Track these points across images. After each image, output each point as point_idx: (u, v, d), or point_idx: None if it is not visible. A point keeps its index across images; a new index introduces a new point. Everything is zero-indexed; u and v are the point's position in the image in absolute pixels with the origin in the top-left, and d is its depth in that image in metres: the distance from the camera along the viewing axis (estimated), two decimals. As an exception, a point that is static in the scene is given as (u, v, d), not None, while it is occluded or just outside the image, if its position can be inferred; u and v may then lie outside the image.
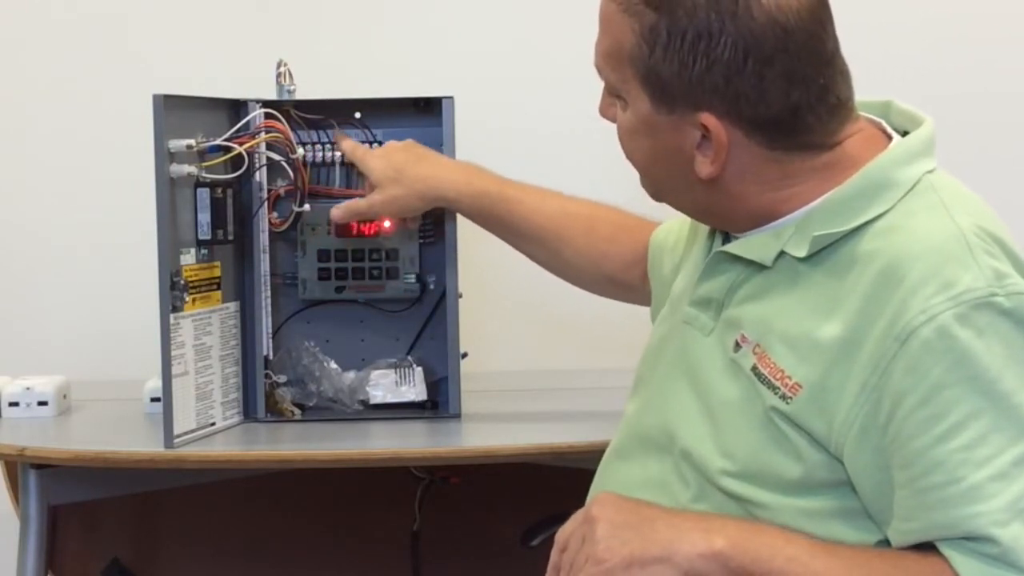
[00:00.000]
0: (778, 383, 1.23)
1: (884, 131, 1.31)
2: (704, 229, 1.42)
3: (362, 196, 1.81)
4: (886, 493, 1.19)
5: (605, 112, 1.36)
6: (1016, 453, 1.14)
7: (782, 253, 1.27)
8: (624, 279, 1.72)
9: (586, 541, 1.22)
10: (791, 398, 1.22)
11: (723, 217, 1.33)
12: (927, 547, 1.17)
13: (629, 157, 1.34)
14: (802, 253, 1.26)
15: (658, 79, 1.25)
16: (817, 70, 1.24)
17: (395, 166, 1.76)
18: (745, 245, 1.31)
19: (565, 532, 1.26)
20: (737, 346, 1.29)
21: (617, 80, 1.29)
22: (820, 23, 1.24)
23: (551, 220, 1.74)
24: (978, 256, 1.18)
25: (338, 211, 1.80)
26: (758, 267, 1.30)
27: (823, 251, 1.25)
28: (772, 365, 1.24)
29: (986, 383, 1.15)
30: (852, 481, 1.21)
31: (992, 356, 1.15)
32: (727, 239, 1.36)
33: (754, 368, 1.26)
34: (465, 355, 1.85)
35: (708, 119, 1.24)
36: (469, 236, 1.80)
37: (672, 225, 1.64)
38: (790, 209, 1.28)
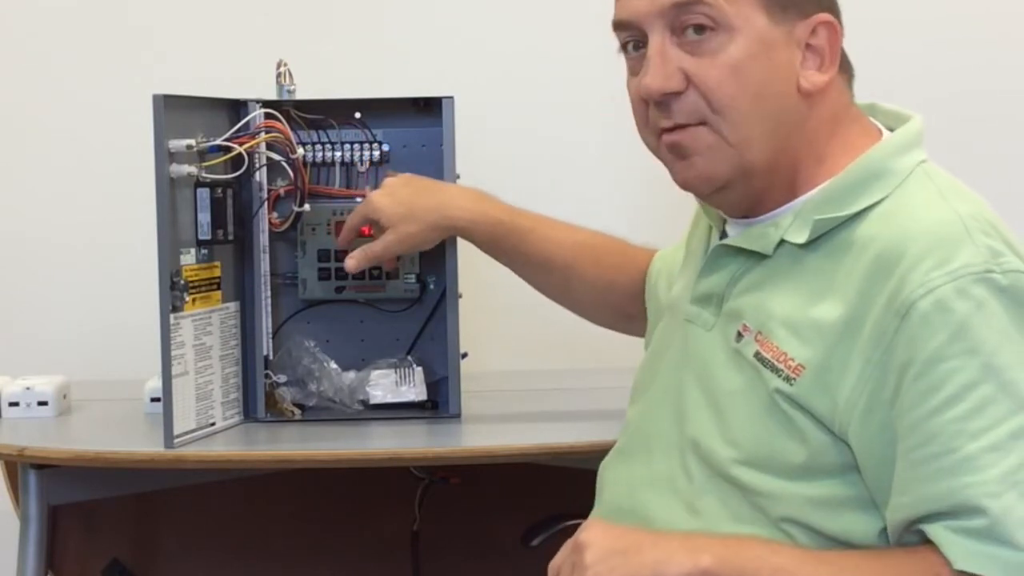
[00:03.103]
0: (781, 365, 1.25)
1: (876, 127, 1.36)
2: (700, 234, 1.45)
3: (363, 196, 1.82)
4: (890, 471, 1.20)
5: (670, 80, 1.30)
6: (1012, 426, 1.15)
7: (782, 242, 1.30)
8: (629, 309, 1.73)
9: (576, 568, 1.23)
10: (794, 379, 1.24)
11: (770, 181, 1.32)
12: (916, 546, 1.18)
13: (732, 101, 1.29)
14: (802, 239, 1.28)
15: None
16: None
17: (403, 203, 1.73)
18: (745, 237, 1.34)
19: (556, 562, 1.27)
20: (739, 336, 1.31)
21: (727, 3, 1.28)
22: None
23: (562, 249, 1.73)
24: (975, 235, 1.21)
25: (353, 261, 1.75)
26: (758, 258, 1.32)
27: (822, 237, 1.28)
28: (775, 349, 1.26)
29: (984, 356, 1.16)
30: (857, 460, 1.22)
31: (990, 330, 1.17)
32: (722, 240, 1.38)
33: (757, 354, 1.28)
34: (465, 355, 1.85)
35: (827, 18, 1.30)
36: (469, 236, 1.80)
37: (667, 252, 1.66)
38: (800, 190, 1.32)
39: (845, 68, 1.35)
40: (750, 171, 1.32)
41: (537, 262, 1.72)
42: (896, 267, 1.20)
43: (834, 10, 1.33)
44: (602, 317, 1.78)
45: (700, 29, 1.28)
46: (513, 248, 1.72)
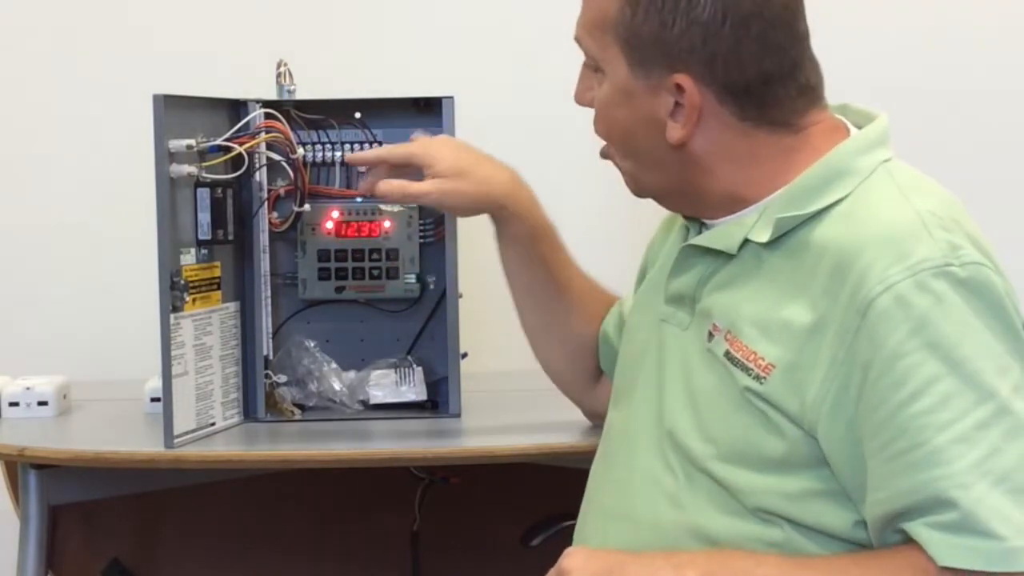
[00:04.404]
0: (751, 364, 1.26)
1: (845, 126, 1.36)
2: (675, 236, 1.47)
3: (363, 196, 1.82)
4: (861, 469, 1.21)
5: (582, 97, 1.41)
6: (977, 417, 1.16)
7: (746, 241, 1.32)
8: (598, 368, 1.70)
9: None
10: (764, 378, 1.25)
11: (695, 198, 1.37)
12: (900, 546, 1.19)
13: (607, 135, 1.39)
14: (765, 238, 1.30)
15: (638, 41, 1.30)
16: (789, 43, 1.31)
17: (465, 159, 1.64)
18: (711, 236, 1.35)
19: None
20: (710, 336, 1.32)
21: (597, 49, 1.34)
22: None
23: (581, 279, 1.69)
24: (932, 230, 1.21)
25: (387, 186, 1.64)
26: (726, 257, 1.34)
27: (785, 236, 1.29)
28: (744, 348, 1.28)
29: (945, 349, 1.17)
30: (828, 459, 1.23)
31: (950, 323, 1.18)
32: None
33: (727, 353, 1.29)
34: (465, 355, 1.85)
35: (683, 79, 1.29)
36: (469, 236, 1.80)
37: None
38: (755, 196, 1.32)
39: (777, 102, 1.31)
40: (654, 192, 1.39)
41: (556, 280, 1.66)
42: (855, 266, 1.21)
43: (703, 66, 1.29)
44: (579, 364, 1.70)
45: (593, 62, 1.37)
46: (541, 257, 1.65)
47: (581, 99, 1.41)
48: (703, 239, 1.36)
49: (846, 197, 1.28)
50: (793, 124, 1.32)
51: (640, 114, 1.33)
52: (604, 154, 1.43)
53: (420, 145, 1.67)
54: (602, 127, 1.39)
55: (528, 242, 1.65)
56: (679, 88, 1.30)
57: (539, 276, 1.67)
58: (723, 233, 1.34)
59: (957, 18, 2.30)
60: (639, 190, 1.41)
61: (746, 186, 1.33)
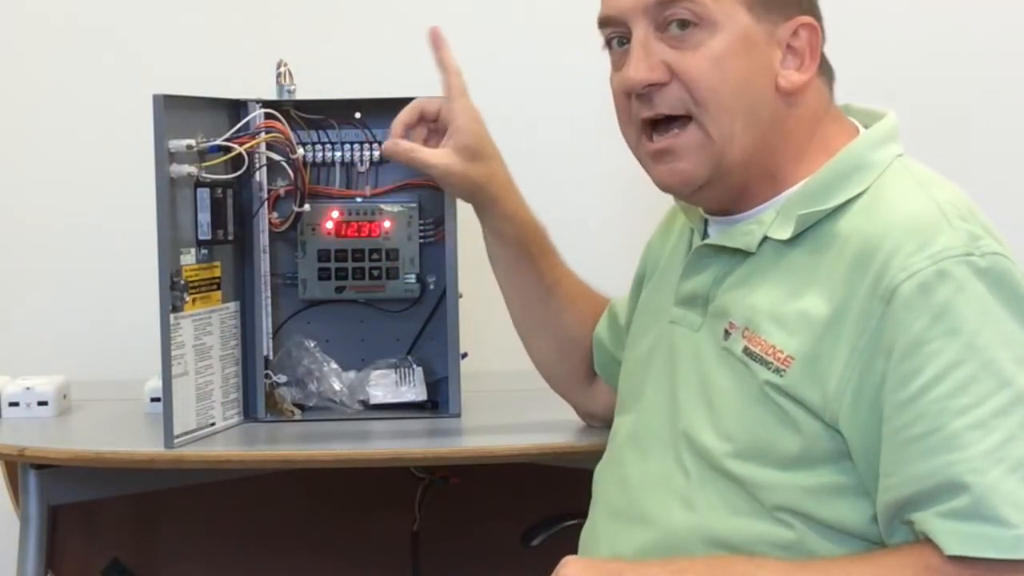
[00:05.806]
0: (770, 358, 1.27)
1: (854, 124, 1.38)
2: (675, 239, 1.48)
3: (363, 196, 1.82)
4: (879, 455, 1.21)
5: (652, 72, 1.33)
6: (995, 404, 1.17)
7: (765, 238, 1.32)
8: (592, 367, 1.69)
9: None
10: (784, 371, 1.25)
11: (755, 171, 1.34)
12: (903, 544, 1.20)
13: (714, 93, 1.32)
14: (786, 235, 1.30)
15: None
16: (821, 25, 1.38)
17: (481, 144, 1.62)
18: (728, 235, 1.36)
19: None
20: (727, 334, 1.33)
21: (713, 0, 1.31)
22: None
23: (571, 279, 1.69)
24: (953, 220, 1.23)
25: (395, 146, 1.62)
26: (742, 256, 1.34)
27: (805, 232, 1.30)
28: (763, 343, 1.28)
29: (966, 336, 1.18)
30: (849, 447, 1.23)
31: (971, 310, 1.19)
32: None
33: (745, 349, 1.29)
34: (465, 355, 1.85)
35: (809, 20, 1.33)
36: (469, 236, 1.80)
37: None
38: (782, 186, 1.33)
39: (825, 71, 1.38)
40: (729, 168, 1.34)
41: (547, 281, 1.66)
42: (878, 255, 1.22)
43: (815, 13, 1.36)
44: (569, 363, 1.70)
45: (683, 24, 1.32)
46: (531, 257, 1.65)
47: (652, 73, 1.32)
48: (721, 238, 1.36)
49: (865, 191, 1.29)
50: (826, 104, 1.37)
51: (759, 62, 1.32)
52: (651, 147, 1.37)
53: (452, 111, 1.64)
54: (712, 82, 1.31)
55: (517, 242, 1.65)
56: (796, 33, 1.32)
57: (528, 276, 1.67)
58: (741, 232, 1.34)
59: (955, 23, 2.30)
60: (703, 171, 1.34)
61: (794, 163, 1.34)
